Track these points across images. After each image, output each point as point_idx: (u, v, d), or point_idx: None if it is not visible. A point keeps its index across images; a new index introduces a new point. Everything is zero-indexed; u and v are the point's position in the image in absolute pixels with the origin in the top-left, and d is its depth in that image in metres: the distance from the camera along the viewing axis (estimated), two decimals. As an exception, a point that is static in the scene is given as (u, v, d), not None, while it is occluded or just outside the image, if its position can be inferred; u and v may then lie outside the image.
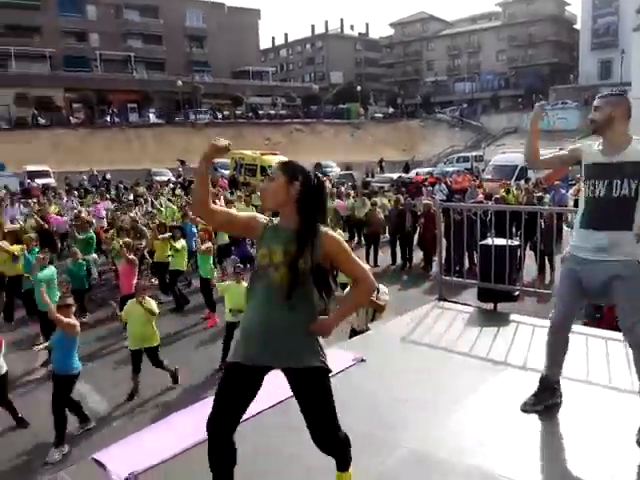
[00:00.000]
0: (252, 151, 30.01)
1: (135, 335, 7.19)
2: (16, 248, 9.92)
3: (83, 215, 13.17)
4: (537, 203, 12.54)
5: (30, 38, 60.75)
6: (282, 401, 3.95)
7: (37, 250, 9.46)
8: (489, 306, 6.15)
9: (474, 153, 38.41)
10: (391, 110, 70.70)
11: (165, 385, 7.46)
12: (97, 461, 3.68)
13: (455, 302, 6.35)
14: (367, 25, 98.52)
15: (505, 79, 74.41)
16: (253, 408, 2.92)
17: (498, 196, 13.66)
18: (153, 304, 7.23)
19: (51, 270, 8.55)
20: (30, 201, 17.49)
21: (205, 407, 2.85)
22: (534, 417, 3.76)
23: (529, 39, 72.97)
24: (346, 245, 2.79)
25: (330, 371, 2.77)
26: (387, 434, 3.65)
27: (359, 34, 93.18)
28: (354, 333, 5.98)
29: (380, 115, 67.41)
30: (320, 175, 2.84)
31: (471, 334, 5.34)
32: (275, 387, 3.19)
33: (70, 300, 6.40)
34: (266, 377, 2.77)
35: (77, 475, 3.60)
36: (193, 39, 70.58)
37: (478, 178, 24.97)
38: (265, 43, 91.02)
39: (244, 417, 2.83)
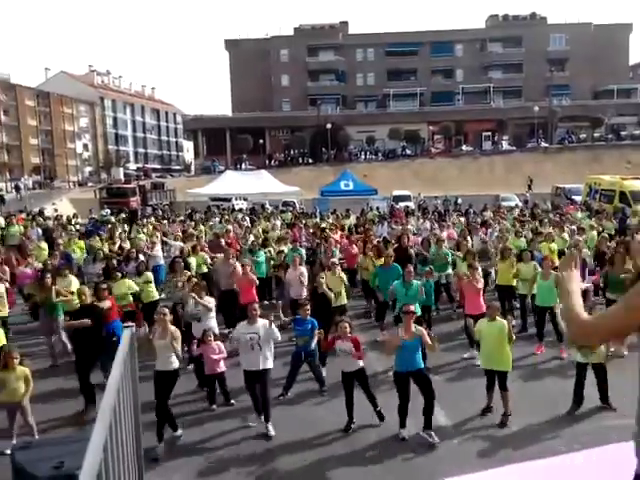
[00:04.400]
0: (610, 175, 27.18)
1: (488, 355, 6.93)
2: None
3: (438, 235, 13.96)
4: None
5: (406, 80, 68.81)
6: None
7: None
8: None
9: None
10: None
11: (526, 410, 6.87)
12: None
13: None
14: None
15: None
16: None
17: None
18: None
19: (415, 283, 9.05)
20: (396, 221, 19.86)
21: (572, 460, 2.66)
22: None
23: None
24: None
25: None
26: None
27: None
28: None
29: None
30: None
31: None
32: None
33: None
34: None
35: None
36: (554, 63, 67.77)
37: None
38: (636, 57, 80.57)
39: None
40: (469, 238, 13.48)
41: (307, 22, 72.15)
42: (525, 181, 40.23)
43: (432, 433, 6.31)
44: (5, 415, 6.26)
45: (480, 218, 20.29)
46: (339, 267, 10.21)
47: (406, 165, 52.76)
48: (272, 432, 6.52)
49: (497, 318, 6.93)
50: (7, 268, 11.18)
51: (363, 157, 58.27)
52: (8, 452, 5.14)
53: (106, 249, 13.58)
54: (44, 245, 14.36)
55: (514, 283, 10.58)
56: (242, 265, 10.17)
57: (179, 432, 6.48)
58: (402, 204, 30.57)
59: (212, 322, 8.06)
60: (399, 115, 62.64)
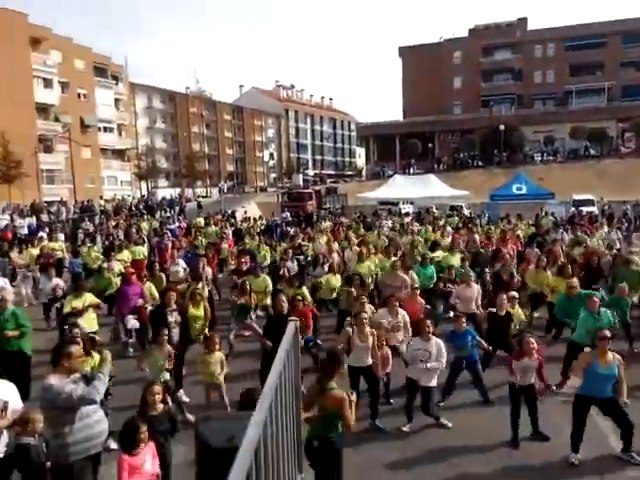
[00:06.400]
0: None
1: None
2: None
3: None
4: None
5: (591, 74, 62.21)
6: None
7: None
8: None
9: None
10: None
11: None
12: None
13: None
14: None
15: None
16: None
17: None
18: None
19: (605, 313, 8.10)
20: (585, 231, 17.11)
21: None
22: None
23: None
24: None
25: None
26: None
27: None
28: None
29: None
30: None
31: None
32: None
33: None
34: None
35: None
36: None
37: None
38: None
39: None
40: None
41: (482, 22, 69.23)
42: None
43: (633, 454, 5.85)
44: (204, 392, 7.11)
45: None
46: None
47: (589, 166, 47.60)
48: (449, 424, 6.75)
49: None
50: (209, 269, 12.63)
51: (539, 159, 54.05)
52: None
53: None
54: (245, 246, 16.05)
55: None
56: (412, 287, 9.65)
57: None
58: (584, 209, 27.71)
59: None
60: (582, 112, 56.84)
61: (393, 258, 11.94)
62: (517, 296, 9.03)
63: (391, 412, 7.28)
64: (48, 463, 4.45)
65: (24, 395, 5.63)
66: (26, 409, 4.79)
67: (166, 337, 7.00)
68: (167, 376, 6.98)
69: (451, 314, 10.88)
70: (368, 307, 8.55)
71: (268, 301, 10.07)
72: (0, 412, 4.65)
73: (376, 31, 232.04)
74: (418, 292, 9.54)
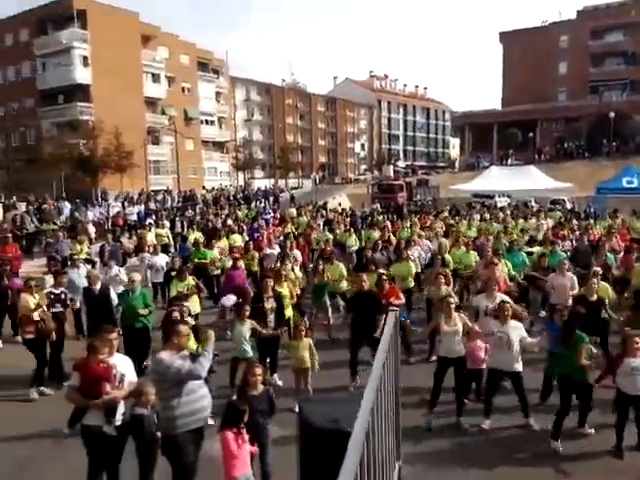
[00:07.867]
0: None
1: None
2: None
3: None
4: None
5: None
6: None
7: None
8: None
9: None
10: None
11: None
12: None
13: None
14: None
15: None
16: None
17: None
18: None
19: None
20: None
21: None
22: None
23: None
24: None
25: None
26: None
27: None
28: None
29: None
30: None
31: None
32: None
33: None
34: None
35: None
36: None
37: None
38: None
39: None
40: None
41: (592, 3, 64.11)
42: None
43: None
44: (293, 377, 7.28)
45: None
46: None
47: None
48: (536, 426, 6.33)
49: None
50: (298, 252, 13.15)
51: (654, 149, 49.25)
52: (296, 409, 6.49)
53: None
54: (328, 234, 16.42)
55: None
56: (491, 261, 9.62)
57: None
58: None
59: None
60: None
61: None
62: (600, 272, 9.09)
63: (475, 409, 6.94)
64: (159, 433, 4.75)
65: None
66: (140, 382, 5.17)
67: (247, 312, 7.29)
68: (250, 352, 7.25)
69: (543, 313, 10.38)
70: (444, 288, 8.57)
71: (343, 287, 10.62)
72: (117, 384, 5.06)
73: (474, 16, 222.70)
74: (496, 264, 9.36)
